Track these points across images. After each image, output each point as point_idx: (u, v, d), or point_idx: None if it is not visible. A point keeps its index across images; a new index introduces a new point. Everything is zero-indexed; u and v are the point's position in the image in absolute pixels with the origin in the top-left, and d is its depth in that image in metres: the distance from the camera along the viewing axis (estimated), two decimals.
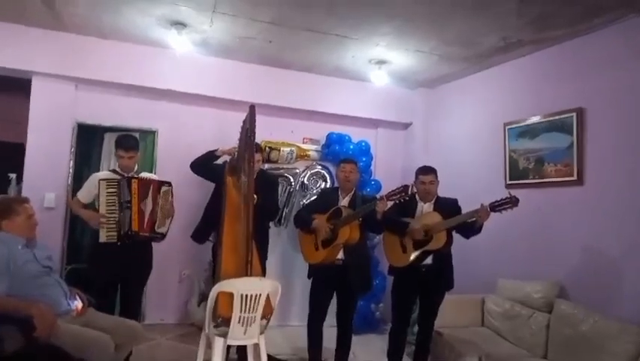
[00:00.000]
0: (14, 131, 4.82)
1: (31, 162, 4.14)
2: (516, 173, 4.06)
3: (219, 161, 3.50)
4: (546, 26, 3.49)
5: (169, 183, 3.32)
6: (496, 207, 3.02)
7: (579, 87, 3.57)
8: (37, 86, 4.18)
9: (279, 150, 4.73)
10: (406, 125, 5.46)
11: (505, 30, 3.60)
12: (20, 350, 2.14)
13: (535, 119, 3.91)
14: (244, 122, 2.97)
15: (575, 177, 3.53)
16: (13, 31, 3.98)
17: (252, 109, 2.81)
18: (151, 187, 3.22)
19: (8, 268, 2.29)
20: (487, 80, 4.54)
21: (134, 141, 3.28)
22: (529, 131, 3.96)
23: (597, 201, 3.38)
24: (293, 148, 4.82)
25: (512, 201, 2.99)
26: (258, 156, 3.36)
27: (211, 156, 3.48)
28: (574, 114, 3.55)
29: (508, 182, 4.11)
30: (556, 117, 3.70)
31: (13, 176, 4.88)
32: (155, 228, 3.21)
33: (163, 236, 3.29)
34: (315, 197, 4.35)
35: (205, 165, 3.48)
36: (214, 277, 3.10)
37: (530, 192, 3.79)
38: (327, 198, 3.49)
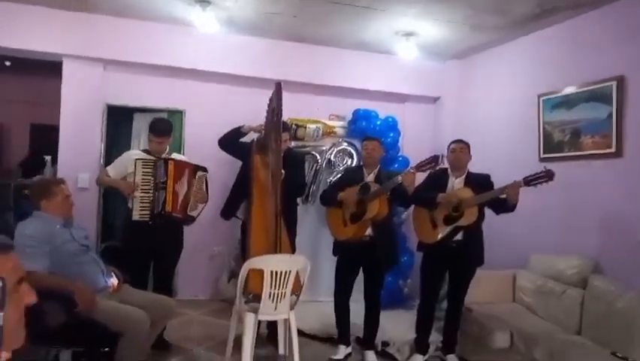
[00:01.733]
0: (49, 114, 4.95)
1: (65, 144, 4.25)
2: (551, 146, 3.92)
3: (247, 138, 3.51)
4: None
5: (205, 169, 3.36)
6: (530, 181, 2.93)
7: (620, 54, 3.38)
8: (67, 68, 4.26)
9: (306, 128, 4.70)
10: (434, 99, 5.33)
11: None
12: (63, 324, 2.24)
13: (571, 89, 3.74)
14: (270, 99, 2.96)
15: (613, 150, 3.39)
16: (41, 14, 4.04)
17: (279, 86, 2.79)
18: (187, 170, 3.27)
19: (49, 246, 2.37)
20: (520, 49, 4.36)
21: (166, 127, 3.31)
22: (565, 102, 3.80)
23: (637, 174, 3.24)
24: (319, 125, 4.78)
25: (548, 175, 2.89)
26: (285, 135, 3.33)
27: (238, 132, 3.47)
28: (614, 83, 3.37)
29: (542, 155, 3.98)
30: (595, 87, 3.53)
31: (48, 158, 5.04)
32: (188, 210, 3.27)
33: (193, 219, 3.35)
34: (339, 175, 4.32)
35: (232, 142, 3.48)
36: (243, 254, 3.14)
37: (565, 165, 3.66)
38: (352, 176, 3.46)
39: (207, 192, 3.38)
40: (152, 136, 3.24)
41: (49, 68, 4.44)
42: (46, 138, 4.79)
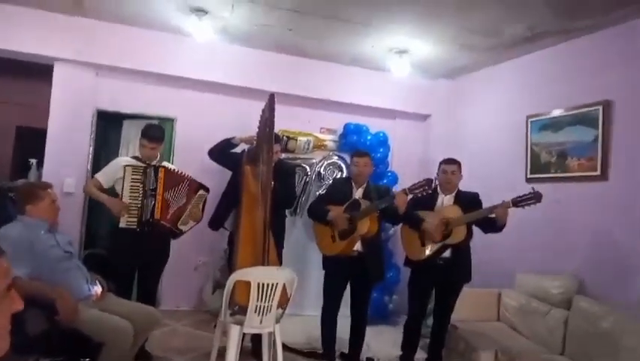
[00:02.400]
0: (36, 117, 4.86)
1: (52, 148, 4.19)
2: (537, 167, 3.99)
3: (237, 149, 3.50)
4: (575, 16, 3.38)
5: (207, 189, 3.34)
6: (519, 202, 2.97)
7: (607, 79, 3.47)
8: (58, 72, 4.21)
9: (296, 140, 4.71)
10: (424, 117, 5.38)
11: (531, 19, 3.50)
12: (43, 332, 2.18)
13: (559, 112, 3.82)
14: (263, 111, 2.96)
15: (598, 172, 3.46)
16: (35, 17, 4.01)
17: (272, 98, 2.79)
18: (187, 183, 3.25)
19: (32, 252, 2.31)
20: (510, 71, 4.44)
21: (159, 133, 3.29)
22: (553, 125, 3.87)
23: (621, 198, 3.30)
24: (310, 138, 4.79)
25: (536, 197, 2.94)
26: (277, 147, 3.33)
27: (228, 143, 3.47)
28: (600, 107, 3.46)
29: (529, 176, 4.04)
30: (582, 110, 3.61)
31: (33, 161, 4.94)
32: (178, 223, 3.24)
33: (181, 233, 3.32)
34: (327, 188, 4.32)
35: (223, 153, 3.48)
36: (230, 265, 3.11)
37: (552, 186, 3.72)
38: (340, 189, 3.44)
39: (203, 212, 3.35)
40: (144, 141, 3.20)
41: (38, 71, 4.38)
42: (32, 141, 4.69)
